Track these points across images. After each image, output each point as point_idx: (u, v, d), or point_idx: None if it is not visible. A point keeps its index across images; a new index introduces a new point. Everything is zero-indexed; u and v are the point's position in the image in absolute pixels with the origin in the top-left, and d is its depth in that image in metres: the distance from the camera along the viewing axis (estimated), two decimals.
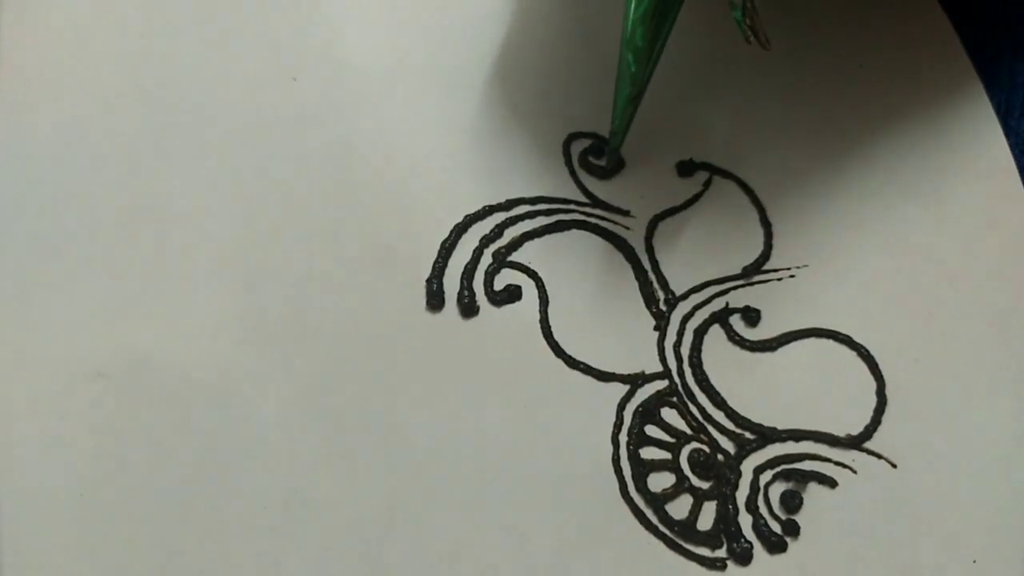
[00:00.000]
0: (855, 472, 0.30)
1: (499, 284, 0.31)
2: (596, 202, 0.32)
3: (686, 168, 0.33)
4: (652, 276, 0.32)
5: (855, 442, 0.30)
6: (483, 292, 0.31)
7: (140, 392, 0.29)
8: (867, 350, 0.31)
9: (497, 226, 0.32)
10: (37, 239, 0.30)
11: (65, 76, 0.33)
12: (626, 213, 0.32)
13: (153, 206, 0.31)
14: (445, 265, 0.31)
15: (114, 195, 0.31)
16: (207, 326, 0.30)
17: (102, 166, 0.31)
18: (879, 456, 0.30)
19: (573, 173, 0.33)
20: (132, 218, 0.31)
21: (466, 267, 0.31)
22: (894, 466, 0.30)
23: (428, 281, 0.31)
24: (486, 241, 0.31)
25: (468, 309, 0.31)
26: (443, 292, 0.31)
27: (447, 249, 0.31)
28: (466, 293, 0.31)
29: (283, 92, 0.33)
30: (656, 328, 0.31)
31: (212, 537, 0.28)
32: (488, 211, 0.32)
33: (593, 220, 0.32)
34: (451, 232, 0.31)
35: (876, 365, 0.31)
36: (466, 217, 0.32)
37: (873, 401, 0.30)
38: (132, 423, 0.29)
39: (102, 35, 0.33)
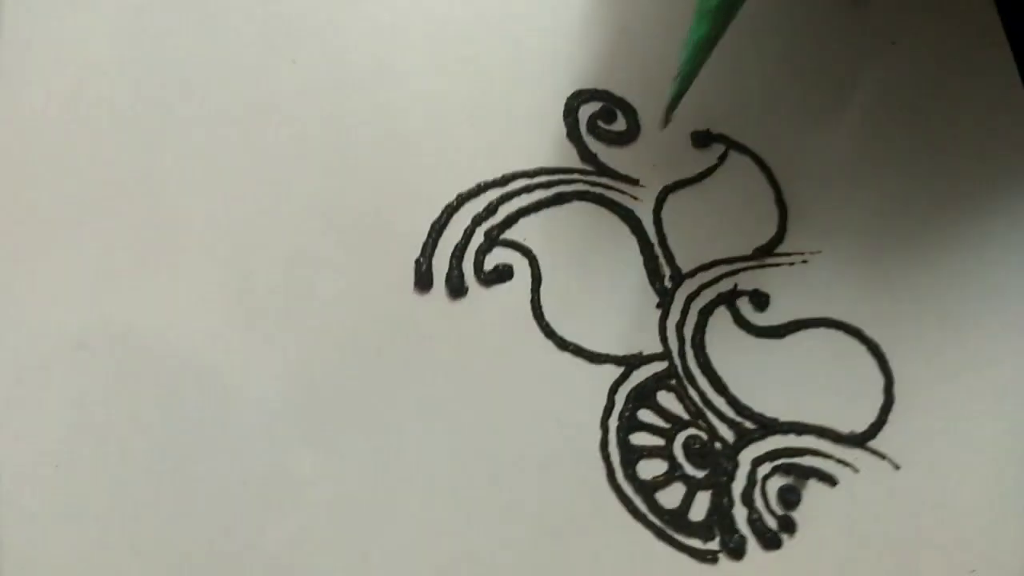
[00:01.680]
0: (857, 471, 0.29)
1: (490, 264, 0.30)
2: (603, 170, 0.31)
3: (701, 139, 0.32)
4: (658, 250, 0.31)
5: (859, 440, 0.29)
6: (472, 272, 0.30)
7: (122, 364, 0.28)
8: (877, 345, 0.30)
9: (491, 203, 0.31)
10: (21, 209, 0.30)
11: (59, 52, 0.32)
12: (635, 183, 0.31)
13: (143, 181, 0.30)
14: (436, 245, 0.30)
15: (103, 167, 0.30)
16: (193, 300, 0.29)
17: (93, 139, 0.31)
18: (882, 456, 0.29)
19: (579, 139, 0.31)
20: (120, 191, 0.30)
21: (456, 246, 0.30)
22: (897, 467, 0.29)
23: (417, 261, 0.30)
24: (478, 220, 0.31)
25: (456, 289, 0.30)
26: (432, 272, 0.30)
27: (438, 229, 0.30)
28: (455, 273, 0.30)
29: (283, 72, 0.32)
30: (659, 306, 0.30)
31: (192, 513, 0.27)
32: (482, 188, 0.31)
33: (598, 190, 0.31)
34: (442, 212, 0.30)
35: (886, 361, 0.30)
36: (458, 196, 0.31)
37: (880, 399, 0.30)
38: (113, 395, 0.28)
39: (100, 13, 0.32)
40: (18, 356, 0.28)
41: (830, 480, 0.29)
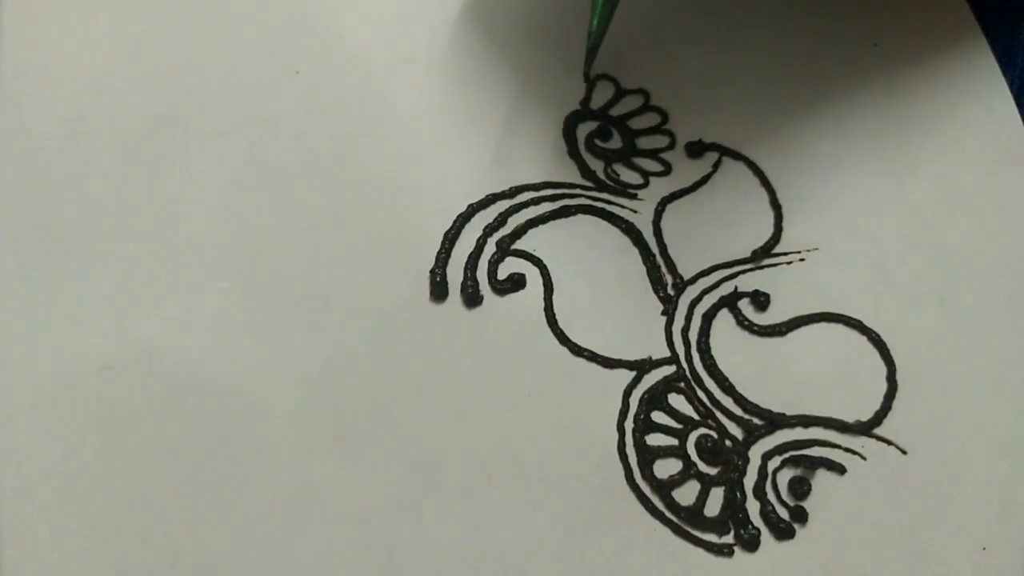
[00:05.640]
0: (864, 458, 0.29)
1: (503, 273, 0.31)
2: (602, 185, 0.32)
3: (695, 149, 0.33)
4: (660, 260, 0.31)
5: (865, 428, 0.30)
6: (487, 281, 0.31)
7: (147, 384, 0.29)
8: (878, 335, 0.31)
9: (501, 214, 0.31)
10: (43, 231, 0.30)
11: (67, 69, 0.32)
12: (633, 196, 0.32)
13: (158, 198, 0.31)
14: (448, 255, 0.31)
15: (119, 187, 0.31)
16: (213, 317, 0.30)
17: (106, 159, 0.31)
18: (889, 442, 0.29)
19: (579, 157, 0.32)
20: (138, 210, 0.31)
21: (470, 256, 0.31)
22: (904, 453, 0.29)
23: (432, 271, 0.31)
24: (490, 230, 0.31)
25: (472, 299, 0.30)
26: (447, 282, 0.30)
27: (450, 239, 0.31)
28: (470, 283, 0.31)
29: (286, 84, 0.33)
30: (664, 313, 0.31)
31: (220, 529, 0.28)
32: (492, 199, 0.32)
33: (599, 204, 0.32)
34: (454, 222, 0.31)
35: (887, 350, 0.30)
36: (469, 206, 0.31)
37: (883, 387, 0.30)
38: (139, 415, 0.28)
39: (104, 28, 0.33)
40: (43, 379, 0.28)
41: (839, 469, 0.29)
